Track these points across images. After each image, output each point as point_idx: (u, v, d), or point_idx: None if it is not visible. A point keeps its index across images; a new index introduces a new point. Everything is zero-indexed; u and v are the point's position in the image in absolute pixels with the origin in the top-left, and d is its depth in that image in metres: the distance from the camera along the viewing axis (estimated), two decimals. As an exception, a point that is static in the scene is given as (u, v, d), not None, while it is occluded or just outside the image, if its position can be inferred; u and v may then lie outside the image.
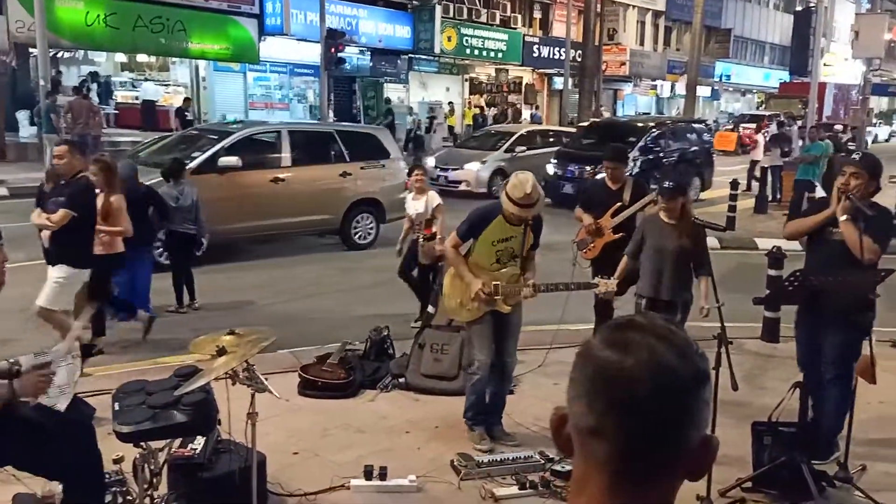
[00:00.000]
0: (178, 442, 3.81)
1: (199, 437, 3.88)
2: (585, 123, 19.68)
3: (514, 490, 4.16)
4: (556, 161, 15.09)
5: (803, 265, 4.37)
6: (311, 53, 20.54)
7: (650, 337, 0.94)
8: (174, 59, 20.72)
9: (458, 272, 4.79)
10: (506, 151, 16.57)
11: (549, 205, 12.54)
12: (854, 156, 4.36)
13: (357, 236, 10.97)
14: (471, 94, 28.95)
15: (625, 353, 0.93)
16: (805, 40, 16.25)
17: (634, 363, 0.92)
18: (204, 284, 8.13)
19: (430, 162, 17.00)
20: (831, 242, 4.20)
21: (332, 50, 18.65)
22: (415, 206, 7.40)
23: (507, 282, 4.70)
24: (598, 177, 13.12)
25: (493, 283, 4.67)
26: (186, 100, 19.28)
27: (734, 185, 13.28)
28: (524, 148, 16.63)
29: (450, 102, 27.01)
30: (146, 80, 20.76)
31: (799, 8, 38.79)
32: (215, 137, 10.05)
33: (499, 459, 4.45)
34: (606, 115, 29.23)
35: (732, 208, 12.88)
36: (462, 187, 15.95)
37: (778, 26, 45.68)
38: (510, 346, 4.88)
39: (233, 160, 9.50)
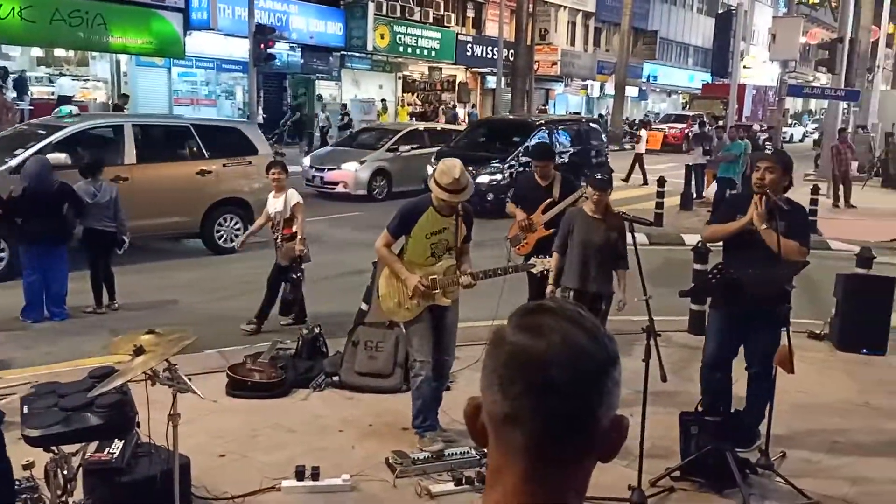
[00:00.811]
0: (94, 446, 3.63)
1: (116, 441, 3.71)
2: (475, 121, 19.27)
3: (450, 486, 4.11)
4: (435, 162, 14.16)
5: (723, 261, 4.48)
6: (240, 49, 20.08)
7: (562, 320, 0.94)
8: (94, 53, 19.89)
9: (393, 271, 4.73)
10: (388, 150, 15.44)
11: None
12: (767, 151, 4.49)
13: (221, 239, 10.07)
14: (404, 91, 28.85)
15: (537, 337, 0.91)
16: (725, 42, 16.75)
17: (548, 346, 0.91)
18: (126, 284, 7.81)
19: (305, 161, 16.13)
20: (755, 242, 4.30)
21: (262, 46, 18.23)
22: (274, 204, 7.07)
23: (444, 274, 4.66)
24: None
25: (431, 276, 4.63)
26: (123, 96, 18.55)
27: (661, 182, 13.61)
28: (409, 147, 15.53)
29: (382, 100, 26.86)
30: (62, 75, 19.84)
31: (721, 11, 40.12)
32: (44, 133, 9.16)
33: (434, 456, 4.39)
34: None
35: (660, 205, 13.20)
36: (339, 189, 14.78)
37: (701, 29, 47.22)
38: (448, 344, 4.84)
39: (61, 157, 8.48)
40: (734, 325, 4.43)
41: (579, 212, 5.34)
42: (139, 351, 3.17)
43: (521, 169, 13.17)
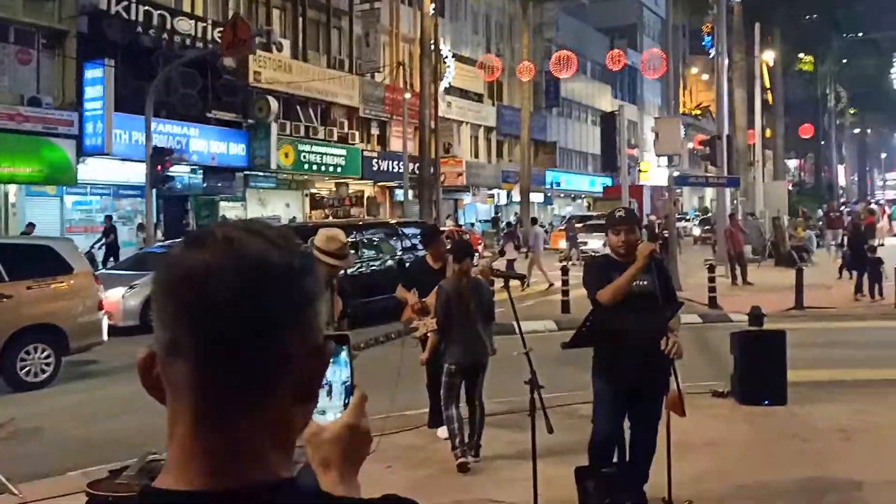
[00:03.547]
0: None
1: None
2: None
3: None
4: None
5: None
6: (137, 173, 19.71)
7: (233, 230, 0.79)
8: (-20, 185, 19.17)
9: None
10: None
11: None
12: (618, 214, 4.51)
13: (25, 372, 8.66)
14: (312, 208, 28.90)
15: (201, 248, 0.77)
16: (612, 141, 17.86)
17: (211, 256, 0.76)
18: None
19: None
20: (629, 293, 4.26)
21: (158, 167, 18.00)
22: None
23: None
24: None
25: None
26: (30, 224, 17.71)
27: (565, 271, 13.89)
28: None
29: (292, 218, 26.73)
30: (-55, 209, 18.93)
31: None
32: None
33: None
34: (450, 222, 30.12)
35: (566, 292, 13.40)
36: None
37: (597, 139, 50.01)
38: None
39: None
40: (620, 400, 4.24)
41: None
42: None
43: None
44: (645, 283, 4.23)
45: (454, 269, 5.62)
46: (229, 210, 25.37)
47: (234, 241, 0.77)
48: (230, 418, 0.76)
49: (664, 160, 18.53)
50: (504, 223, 25.23)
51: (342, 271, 4.73)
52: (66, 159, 19.30)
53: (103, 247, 19.13)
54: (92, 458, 5.89)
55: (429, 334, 5.40)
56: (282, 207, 27.37)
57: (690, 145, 37.08)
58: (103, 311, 9.63)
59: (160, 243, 17.23)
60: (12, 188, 19.17)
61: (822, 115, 55.76)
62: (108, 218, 20.45)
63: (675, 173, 18.41)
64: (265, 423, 0.77)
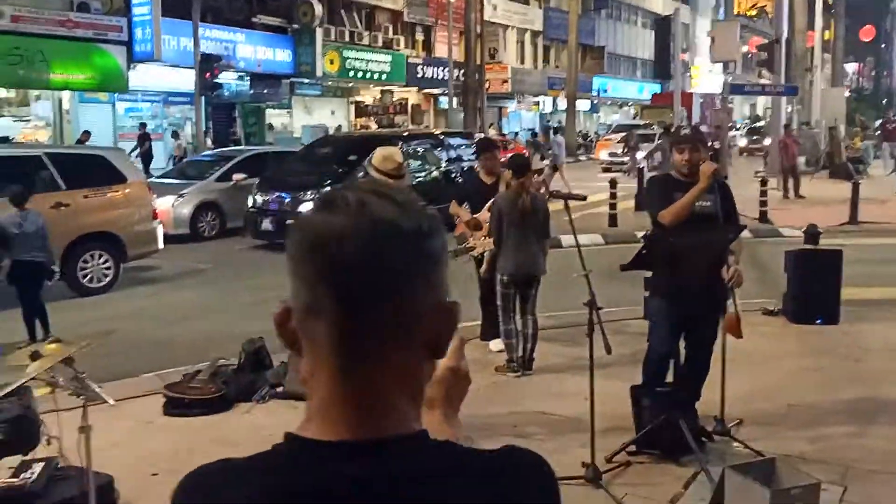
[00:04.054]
0: (9, 472, 3.40)
1: (35, 465, 3.48)
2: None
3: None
4: (259, 190, 12.26)
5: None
6: (187, 80, 19.81)
7: (365, 194, 0.83)
8: (35, 93, 19.49)
9: None
10: (218, 180, 13.46)
11: (253, 246, 11.75)
12: (683, 132, 4.43)
13: (87, 279, 9.03)
14: (357, 116, 28.76)
15: (334, 211, 0.81)
16: (666, 46, 17.15)
17: (343, 219, 0.80)
18: (61, 318, 7.44)
19: None
20: (691, 215, 4.24)
21: (207, 74, 18.02)
22: None
23: None
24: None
25: None
26: (85, 132, 18.07)
27: (613, 184, 13.73)
28: (244, 175, 13.29)
29: (339, 126, 26.69)
30: (1, 116, 19.31)
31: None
32: None
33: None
34: (493, 131, 29.71)
35: (613, 206, 13.28)
36: None
37: (647, 43, 48.02)
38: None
39: None
40: (677, 321, 4.23)
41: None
42: (35, 356, 2.93)
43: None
44: (708, 204, 4.19)
45: (512, 184, 5.59)
46: (275, 118, 25.43)
47: (368, 204, 0.81)
48: (367, 373, 0.81)
49: (717, 66, 17.76)
50: (530, 133, 25.14)
51: None
52: (117, 66, 19.44)
53: (139, 156, 19.39)
54: (161, 361, 6.26)
55: (485, 253, 5.49)
56: (327, 115, 27.31)
57: (745, 49, 35.31)
58: (158, 220, 10.00)
59: (209, 151, 17.51)
60: (66, 95, 19.48)
61: (884, 17, 52.45)
62: (143, 125, 20.58)
63: (730, 80, 17.73)
64: (399, 378, 0.82)
